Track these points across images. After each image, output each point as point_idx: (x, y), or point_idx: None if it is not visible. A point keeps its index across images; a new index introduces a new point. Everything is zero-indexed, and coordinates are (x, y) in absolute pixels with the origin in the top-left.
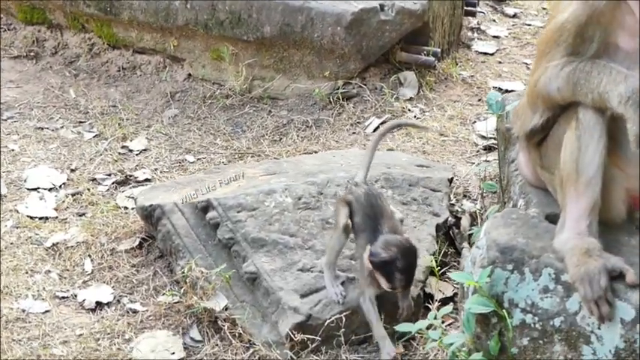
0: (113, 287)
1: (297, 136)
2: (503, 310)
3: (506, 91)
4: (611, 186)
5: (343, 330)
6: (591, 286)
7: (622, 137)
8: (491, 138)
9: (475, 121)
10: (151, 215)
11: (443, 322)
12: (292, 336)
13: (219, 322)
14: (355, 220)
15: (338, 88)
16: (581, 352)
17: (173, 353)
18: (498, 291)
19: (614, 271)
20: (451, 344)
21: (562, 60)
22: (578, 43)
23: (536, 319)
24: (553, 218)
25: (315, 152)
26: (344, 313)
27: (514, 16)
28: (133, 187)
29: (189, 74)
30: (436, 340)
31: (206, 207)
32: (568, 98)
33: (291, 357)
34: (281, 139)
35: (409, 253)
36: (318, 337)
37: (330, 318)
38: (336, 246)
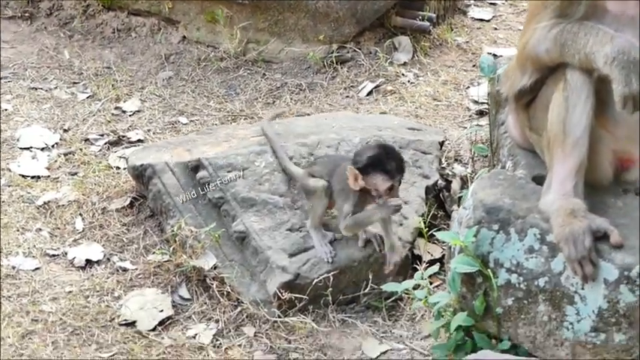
0: (103, 246)
1: (291, 99)
2: (489, 270)
3: (501, 57)
4: (598, 147)
5: (331, 289)
6: (575, 246)
7: (609, 99)
8: (484, 103)
9: (469, 87)
10: (142, 175)
11: (431, 284)
12: (280, 295)
13: (208, 281)
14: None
15: (332, 52)
16: (565, 312)
17: (161, 311)
18: (484, 251)
19: (598, 232)
20: (436, 303)
21: (550, 22)
22: (566, 5)
23: (521, 279)
24: (540, 180)
25: (308, 115)
26: (332, 273)
27: None
28: (126, 147)
29: (184, 37)
30: (421, 300)
31: (197, 166)
32: (556, 59)
33: (278, 315)
34: (274, 101)
35: (386, 145)
36: (305, 297)
37: (318, 277)
38: (319, 208)
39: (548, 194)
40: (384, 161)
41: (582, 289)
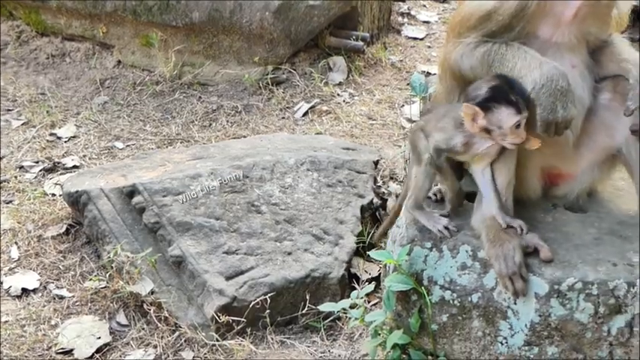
0: (40, 274)
1: (227, 121)
2: (422, 288)
3: (435, 75)
4: (526, 164)
5: (269, 311)
6: (506, 262)
7: (533, 119)
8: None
9: (403, 105)
10: (77, 201)
11: (369, 302)
12: (217, 318)
13: (145, 306)
14: None
15: (267, 74)
16: (499, 327)
17: (99, 338)
18: (418, 269)
19: (528, 248)
20: (372, 322)
21: (476, 39)
22: (500, 30)
23: (455, 295)
24: (471, 197)
25: (244, 137)
26: (269, 295)
27: (444, 1)
28: (61, 174)
29: (119, 61)
30: (358, 319)
31: (132, 192)
32: (480, 78)
33: (216, 339)
34: (210, 124)
35: (506, 76)
36: (243, 319)
37: (255, 299)
38: (425, 183)
39: (478, 211)
40: (508, 92)
41: (515, 303)
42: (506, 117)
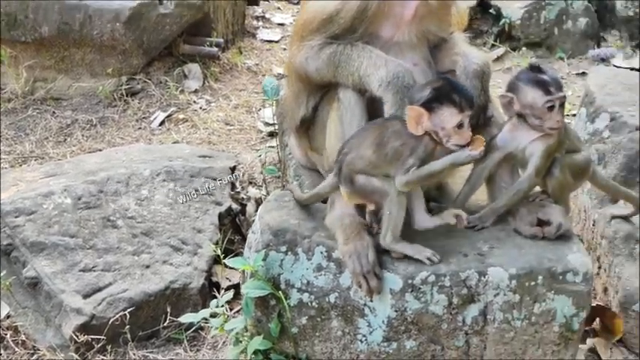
0: None
1: (82, 135)
2: (280, 292)
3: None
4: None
5: (129, 327)
6: (360, 260)
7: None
8: (275, 124)
9: (260, 109)
10: None
11: (231, 309)
12: (76, 338)
13: (2, 331)
14: None
15: (122, 85)
16: (357, 325)
17: None
18: (274, 273)
19: (381, 246)
20: (233, 330)
21: (320, 41)
22: (343, 32)
23: (313, 297)
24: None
25: (100, 150)
26: (128, 310)
27: (298, 3)
28: None
29: None
30: (218, 328)
31: None
32: (328, 79)
33: (76, 359)
34: (65, 139)
35: (448, 77)
36: (103, 337)
37: (114, 316)
38: (400, 213)
39: (332, 211)
40: (450, 92)
41: (371, 301)
42: (448, 116)
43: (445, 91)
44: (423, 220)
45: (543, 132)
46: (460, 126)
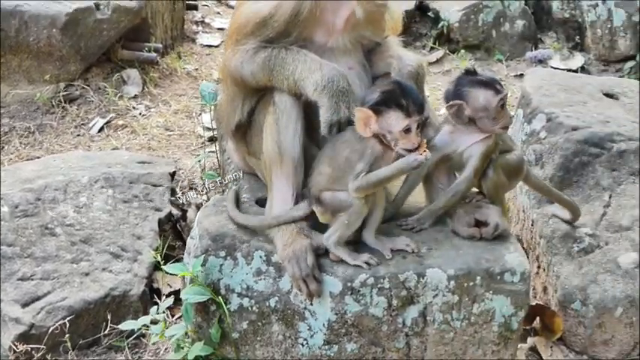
0: None
1: (20, 143)
2: (220, 297)
3: None
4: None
5: (69, 335)
6: (299, 264)
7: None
8: (214, 129)
9: (200, 114)
10: None
11: (172, 316)
12: (15, 348)
13: None
14: None
15: (60, 91)
16: (298, 328)
17: None
18: (214, 278)
19: (320, 249)
20: (173, 336)
21: (255, 45)
22: (277, 36)
23: (253, 301)
24: (263, 202)
25: (38, 158)
26: (68, 318)
27: None
28: None
29: None
30: (158, 334)
31: None
32: (263, 83)
33: None
34: (3, 147)
35: (401, 81)
36: (42, 346)
37: (54, 325)
38: (358, 222)
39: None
40: (398, 96)
41: (311, 304)
42: (394, 121)
43: (394, 95)
44: (368, 237)
45: (492, 132)
46: (408, 130)
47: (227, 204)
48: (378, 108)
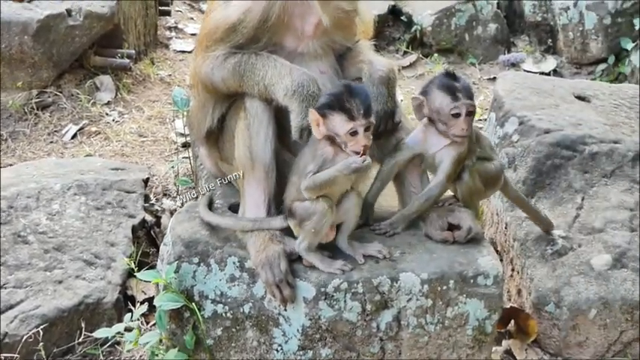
0: None
1: None
2: (194, 304)
3: None
4: (286, 170)
5: (43, 344)
6: (272, 270)
7: (289, 124)
8: (188, 135)
9: (174, 120)
10: None
11: (147, 323)
12: None
13: None
14: None
15: (32, 98)
16: (272, 334)
17: None
18: (187, 285)
19: (293, 255)
20: (147, 343)
21: (225, 51)
22: (247, 42)
23: (227, 308)
24: (236, 208)
25: (11, 165)
26: (42, 327)
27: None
28: None
29: None
30: (132, 342)
31: None
32: (234, 89)
33: None
34: None
35: (352, 83)
36: (16, 355)
37: (27, 333)
38: (324, 226)
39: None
40: (344, 99)
41: (285, 310)
42: (339, 123)
43: (339, 98)
44: (341, 243)
45: (449, 139)
46: (354, 133)
47: (199, 207)
48: (323, 111)
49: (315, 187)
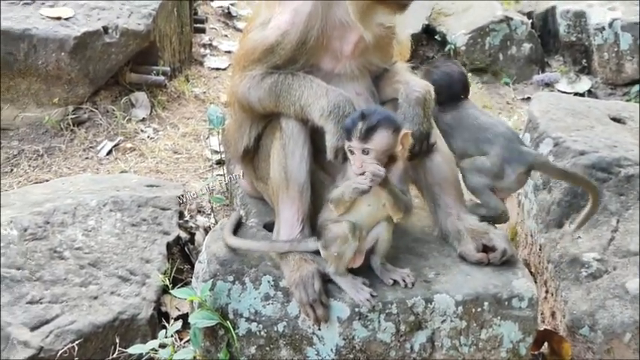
0: None
1: (29, 165)
2: (228, 322)
3: None
4: (321, 191)
5: (77, 359)
6: (306, 290)
7: (325, 145)
8: (222, 152)
9: (208, 137)
10: None
11: (181, 339)
12: None
13: None
14: None
15: (68, 114)
16: (306, 353)
17: None
18: (222, 303)
19: (327, 275)
20: None
21: (262, 71)
22: (284, 63)
23: (261, 326)
24: (271, 227)
25: (47, 181)
26: (77, 342)
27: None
28: None
29: None
30: (166, 359)
31: None
32: (270, 109)
33: None
34: (12, 170)
35: (367, 108)
36: None
37: (62, 348)
38: (348, 251)
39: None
40: (352, 119)
41: (319, 329)
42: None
43: (352, 117)
44: (374, 264)
45: None
46: (352, 152)
47: (224, 234)
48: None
49: (332, 201)
